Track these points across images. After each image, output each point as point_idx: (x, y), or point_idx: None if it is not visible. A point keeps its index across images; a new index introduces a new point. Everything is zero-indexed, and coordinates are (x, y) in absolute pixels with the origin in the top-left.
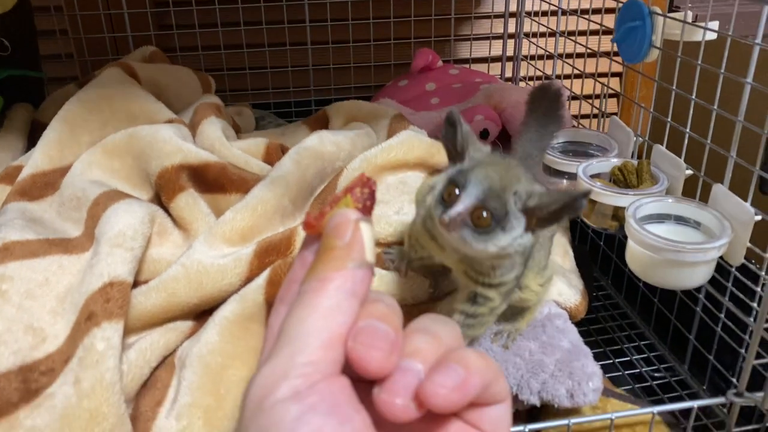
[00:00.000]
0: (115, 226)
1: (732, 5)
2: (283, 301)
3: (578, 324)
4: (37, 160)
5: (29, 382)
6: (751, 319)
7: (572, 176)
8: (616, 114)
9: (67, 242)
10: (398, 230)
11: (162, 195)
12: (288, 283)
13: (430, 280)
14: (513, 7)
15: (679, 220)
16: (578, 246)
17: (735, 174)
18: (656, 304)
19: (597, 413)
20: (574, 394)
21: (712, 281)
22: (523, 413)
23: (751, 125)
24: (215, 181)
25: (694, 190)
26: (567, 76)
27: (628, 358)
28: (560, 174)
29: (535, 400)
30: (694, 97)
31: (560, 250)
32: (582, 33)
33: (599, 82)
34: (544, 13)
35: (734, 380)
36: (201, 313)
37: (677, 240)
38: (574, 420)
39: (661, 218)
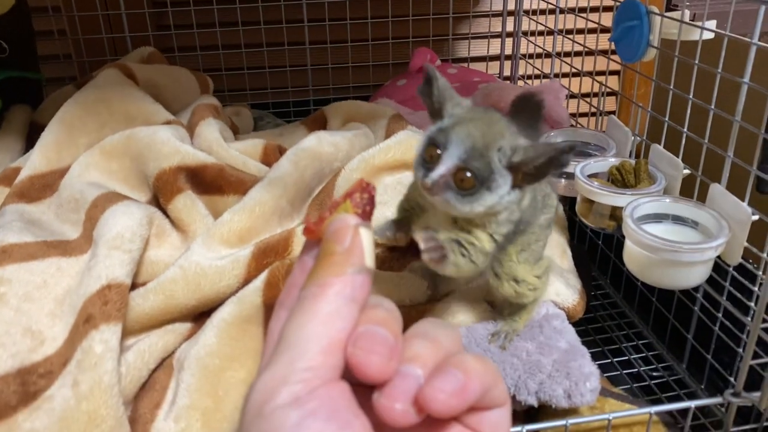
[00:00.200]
0: (113, 228)
1: (730, 3)
2: (284, 306)
3: (576, 323)
4: (35, 162)
5: (28, 384)
6: (749, 319)
7: (570, 175)
8: (614, 112)
9: (65, 244)
10: None
11: (160, 197)
12: (288, 287)
13: (428, 281)
14: (511, 6)
15: (677, 219)
16: (577, 245)
17: (732, 173)
18: (654, 304)
19: (595, 413)
20: (571, 395)
21: (710, 281)
22: (521, 413)
23: (748, 125)
24: (213, 183)
25: (691, 189)
26: (565, 75)
27: (626, 358)
28: (558, 173)
29: (532, 401)
30: (691, 96)
31: (558, 250)
32: (580, 31)
33: (597, 81)
34: (542, 12)
35: (732, 379)
36: (199, 315)
37: (674, 240)
38: (571, 420)
39: (658, 218)
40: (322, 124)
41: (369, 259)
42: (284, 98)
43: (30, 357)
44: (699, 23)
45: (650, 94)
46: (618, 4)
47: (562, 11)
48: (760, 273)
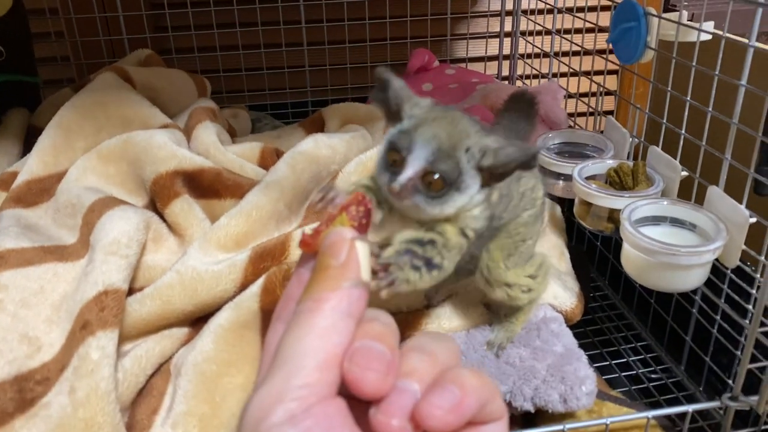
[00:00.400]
0: (110, 233)
1: (727, 3)
2: (280, 319)
3: (575, 325)
4: (32, 166)
5: (25, 391)
6: (747, 321)
7: (568, 177)
8: (613, 111)
9: (62, 249)
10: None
11: (157, 201)
12: (285, 300)
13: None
14: (509, 6)
15: (675, 222)
16: (575, 246)
17: (730, 175)
18: (653, 305)
19: (593, 417)
20: (567, 399)
21: (708, 283)
22: (519, 418)
23: (745, 128)
24: (210, 187)
25: (689, 191)
26: (563, 75)
27: (625, 360)
28: (556, 175)
29: (528, 407)
30: (689, 98)
31: (556, 252)
32: (578, 31)
33: (594, 81)
34: (540, 12)
35: (730, 382)
36: (196, 320)
37: (672, 243)
38: (569, 425)
39: (656, 220)
40: (319, 126)
41: (365, 273)
42: (282, 99)
43: (27, 363)
44: (696, 24)
45: (648, 94)
46: (616, 4)
47: (560, 11)
48: (758, 276)
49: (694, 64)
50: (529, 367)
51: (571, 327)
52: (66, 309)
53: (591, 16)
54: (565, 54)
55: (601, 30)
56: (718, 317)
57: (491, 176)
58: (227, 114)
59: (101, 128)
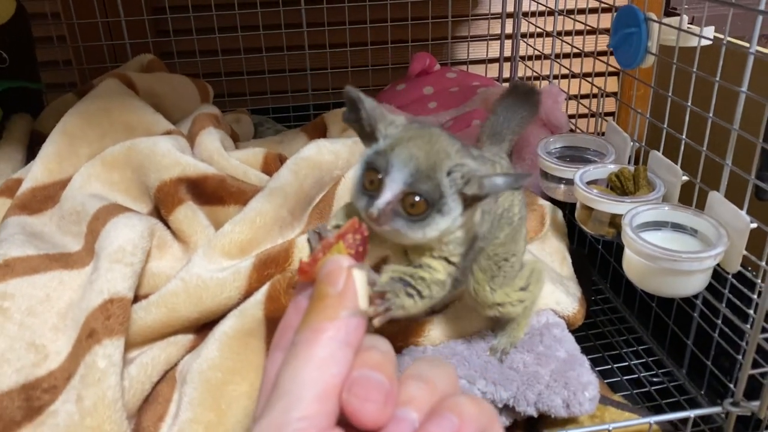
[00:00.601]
0: (115, 241)
1: (729, 7)
2: (278, 347)
3: (577, 329)
4: (37, 173)
5: (32, 399)
6: (748, 326)
7: (569, 181)
8: (613, 113)
9: (67, 257)
10: None
11: (161, 208)
12: (282, 329)
13: None
14: (510, 8)
15: (676, 227)
16: (576, 249)
17: (731, 180)
18: (654, 309)
19: (595, 422)
20: (570, 404)
21: (709, 287)
22: (522, 423)
23: (746, 134)
24: (214, 194)
25: (690, 195)
26: (564, 77)
27: (627, 363)
28: (557, 179)
29: (532, 412)
30: (689, 104)
31: (558, 256)
32: (579, 33)
33: (595, 86)
34: (541, 14)
35: (732, 386)
36: (201, 327)
37: (673, 249)
38: (571, 431)
39: (658, 226)
40: (322, 131)
41: (363, 301)
42: (284, 103)
43: (34, 372)
44: (697, 30)
45: (649, 95)
46: (616, 7)
47: (561, 13)
48: (759, 281)
49: (694, 70)
50: (532, 372)
51: (573, 330)
52: (72, 317)
53: (591, 18)
54: (566, 56)
55: (602, 32)
56: (719, 321)
57: (474, 198)
58: (230, 119)
59: (105, 135)
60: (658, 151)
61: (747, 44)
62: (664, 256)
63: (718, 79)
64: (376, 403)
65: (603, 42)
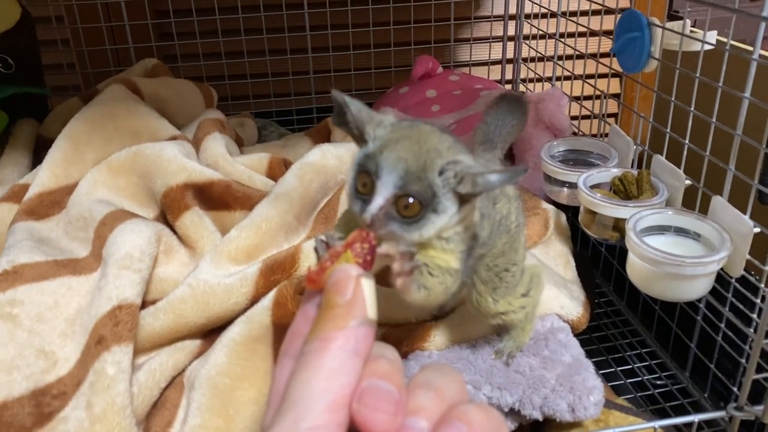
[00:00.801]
0: (122, 247)
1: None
2: (287, 355)
3: (581, 332)
4: (43, 179)
5: (42, 406)
6: (752, 330)
7: (573, 185)
8: (616, 114)
9: (75, 263)
10: None
11: (168, 213)
12: (291, 337)
13: None
14: (512, 10)
15: (680, 231)
16: (579, 251)
17: (734, 184)
18: (657, 312)
19: (599, 426)
20: (575, 408)
21: (713, 291)
22: (527, 427)
23: (749, 139)
24: (220, 199)
25: (694, 199)
26: (567, 78)
27: (630, 367)
28: (560, 183)
29: (537, 415)
30: (693, 108)
31: (562, 260)
32: (582, 35)
33: (597, 88)
34: (543, 16)
35: (735, 389)
36: (209, 332)
37: (677, 254)
38: None
39: (661, 230)
40: (326, 136)
41: (371, 310)
42: (287, 106)
43: (43, 378)
44: (700, 35)
45: (652, 99)
46: (619, 9)
47: (563, 15)
48: (762, 286)
49: (697, 75)
50: (538, 376)
51: (577, 333)
52: (80, 323)
53: (594, 20)
54: (569, 58)
55: (604, 34)
56: (722, 325)
57: (469, 195)
58: (234, 123)
59: (111, 140)
60: (661, 155)
61: (750, 47)
62: (668, 261)
63: (721, 84)
64: (387, 413)
65: (605, 44)
